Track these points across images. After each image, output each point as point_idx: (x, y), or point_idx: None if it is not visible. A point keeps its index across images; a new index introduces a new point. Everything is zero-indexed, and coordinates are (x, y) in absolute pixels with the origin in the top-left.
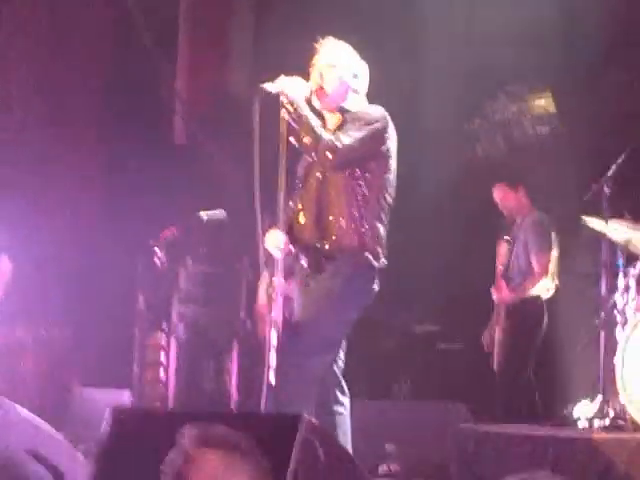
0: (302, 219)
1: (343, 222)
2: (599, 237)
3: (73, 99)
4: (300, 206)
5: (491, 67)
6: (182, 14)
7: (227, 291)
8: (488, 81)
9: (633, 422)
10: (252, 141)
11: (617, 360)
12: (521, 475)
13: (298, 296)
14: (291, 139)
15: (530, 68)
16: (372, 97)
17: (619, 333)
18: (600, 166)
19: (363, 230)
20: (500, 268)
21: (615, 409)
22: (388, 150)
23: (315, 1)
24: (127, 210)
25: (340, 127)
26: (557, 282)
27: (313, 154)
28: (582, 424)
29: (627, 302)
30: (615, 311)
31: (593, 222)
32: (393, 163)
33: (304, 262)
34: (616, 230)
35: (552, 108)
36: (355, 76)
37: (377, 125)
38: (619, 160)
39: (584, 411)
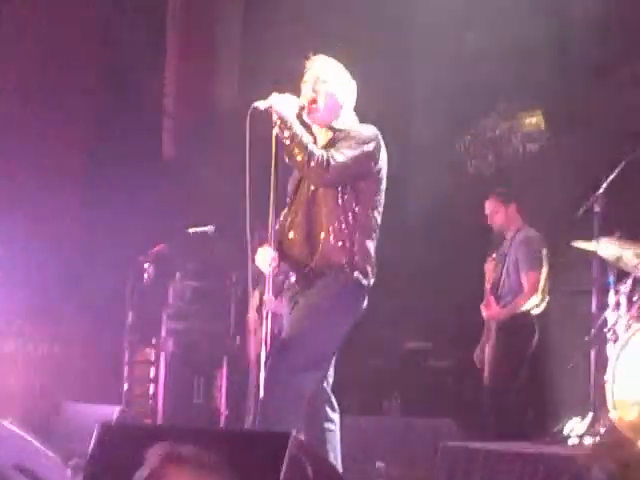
0: (292, 235)
1: (332, 239)
2: (589, 255)
3: (59, 115)
4: (290, 222)
5: (482, 85)
6: (169, 29)
7: (216, 307)
8: (479, 99)
9: (624, 438)
10: (242, 157)
11: (608, 377)
12: None
13: (287, 313)
14: (283, 156)
15: (521, 86)
16: (363, 114)
17: (610, 350)
18: (590, 183)
19: (352, 248)
20: (488, 286)
21: (606, 426)
22: (379, 170)
23: (305, 17)
24: (115, 226)
25: (331, 144)
26: (547, 299)
27: (305, 170)
28: (573, 441)
29: (617, 319)
30: (606, 328)
31: (582, 244)
32: (383, 183)
33: (293, 278)
34: (606, 248)
35: (542, 125)
36: (345, 93)
37: (369, 145)
38: (609, 177)
39: (575, 428)
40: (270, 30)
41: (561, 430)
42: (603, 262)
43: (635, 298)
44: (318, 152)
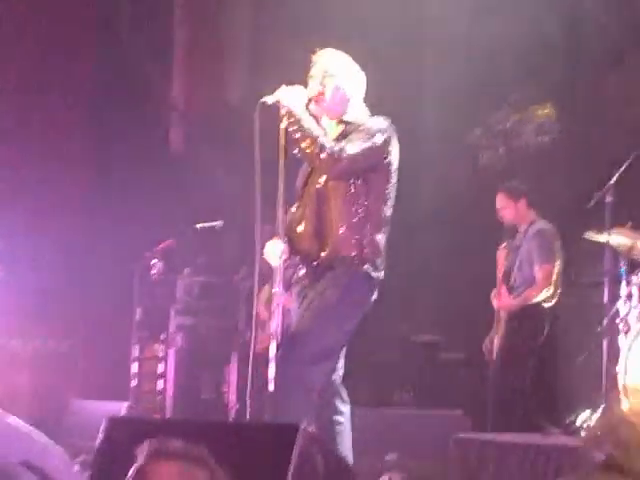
0: (301, 229)
1: (342, 232)
2: (601, 246)
3: (67, 109)
4: (299, 216)
5: (493, 77)
6: (176, 23)
7: (225, 302)
8: (490, 91)
9: (623, 420)
10: (251, 152)
11: (620, 368)
12: None
13: (296, 306)
14: (291, 150)
15: (531, 78)
16: (374, 107)
17: (622, 341)
18: (602, 174)
19: (362, 240)
20: (500, 275)
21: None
22: (390, 163)
23: (315, 11)
24: (124, 221)
25: (342, 137)
26: (560, 291)
27: (315, 162)
28: (585, 433)
29: (630, 310)
30: (618, 319)
31: (594, 236)
32: (394, 175)
33: (302, 272)
34: (619, 239)
35: (553, 117)
36: (354, 85)
37: (381, 137)
38: (621, 168)
39: (587, 420)
40: (280, 23)
41: (573, 422)
42: (615, 253)
43: None
44: (329, 144)
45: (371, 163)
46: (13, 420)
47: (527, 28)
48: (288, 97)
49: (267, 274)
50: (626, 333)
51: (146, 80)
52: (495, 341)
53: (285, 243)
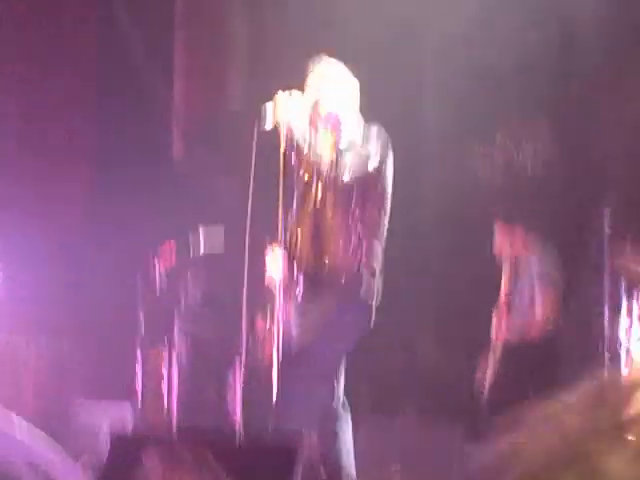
0: (300, 242)
1: (341, 243)
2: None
3: (67, 115)
4: (298, 229)
5: (491, 94)
6: (176, 28)
7: (228, 307)
8: (489, 105)
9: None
10: (249, 173)
11: None
12: None
13: (297, 318)
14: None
15: (529, 96)
16: (372, 109)
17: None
18: (601, 192)
19: (361, 251)
20: (503, 295)
21: None
22: (385, 177)
23: (314, 19)
24: (126, 223)
25: (339, 154)
26: (560, 317)
27: (313, 185)
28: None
29: (630, 336)
30: (618, 345)
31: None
32: (390, 186)
33: (302, 287)
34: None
35: (551, 135)
36: (349, 94)
37: (374, 161)
38: (620, 186)
39: None
40: (280, 30)
41: None
42: (614, 276)
43: None
44: (325, 169)
45: (365, 187)
46: (16, 421)
47: (526, 45)
48: (285, 113)
49: (264, 290)
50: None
51: (147, 85)
52: (489, 371)
53: (286, 257)
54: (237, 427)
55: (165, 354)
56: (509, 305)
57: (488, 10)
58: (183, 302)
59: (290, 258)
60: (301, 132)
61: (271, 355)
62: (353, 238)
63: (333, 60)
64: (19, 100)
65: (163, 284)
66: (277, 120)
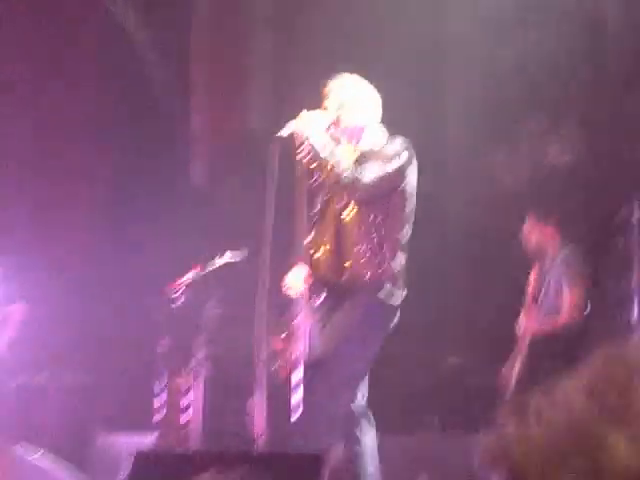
0: (319, 255)
1: (361, 256)
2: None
3: (86, 140)
4: (318, 240)
5: (515, 96)
6: (194, 52)
7: (249, 331)
8: (514, 112)
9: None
10: (267, 189)
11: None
12: None
13: (319, 332)
14: (310, 180)
15: (554, 97)
16: (392, 129)
17: None
18: (629, 188)
19: (382, 264)
20: (529, 297)
21: None
22: (408, 184)
23: (338, 36)
24: (145, 254)
25: (360, 161)
26: (586, 312)
27: (332, 191)
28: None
29: None
30: None
31: None
32: (412, 199)
33: (322, 298)
34: None
35: (578, 135)
36: (370, 109)
37: (396, 163)
38: None
39: None
40: (303, 50)
41: None
42: None
43: None
44: (345, 173)
45: (386, 191)
46: (39, 455)
47: (553, 43)
48: (304, 126)
49: (282, 304)
50: None
51: (166, 111)
52: (516, 366)
53: (308, 269)
54: (259, 448)
55: (187, 381)
56: (536, 299)
57: (512, 20)
58: (204, 327)
59: (312, 267)
60: (322, 145)
61: (294, 366)
62: (374, 246)
63: (354, 76)
64: (36, 123)
65: (183, 310)
66: (294, 129)
